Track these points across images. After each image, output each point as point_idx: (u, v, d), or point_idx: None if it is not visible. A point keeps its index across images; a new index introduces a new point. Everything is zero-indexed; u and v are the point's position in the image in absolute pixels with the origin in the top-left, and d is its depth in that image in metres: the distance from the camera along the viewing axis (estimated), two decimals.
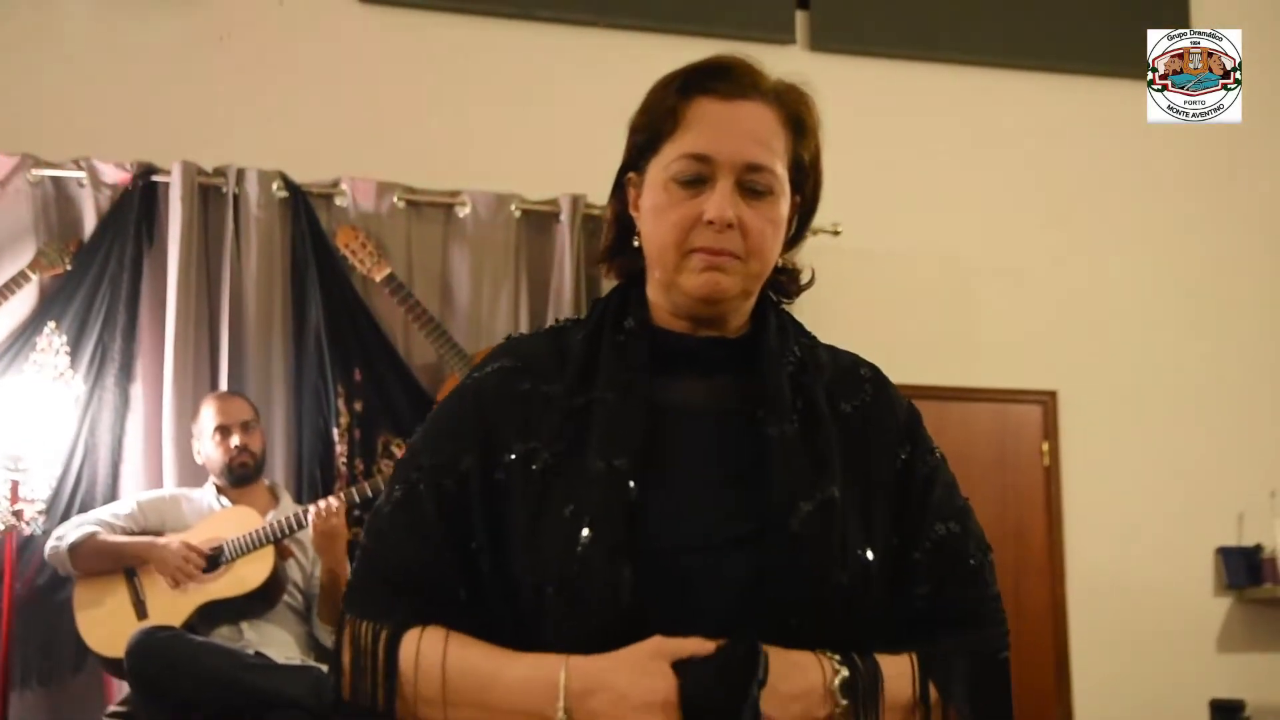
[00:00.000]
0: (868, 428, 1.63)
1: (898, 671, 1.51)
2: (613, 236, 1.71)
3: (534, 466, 1.52)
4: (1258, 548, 6.13)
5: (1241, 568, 6.14)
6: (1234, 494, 6.19)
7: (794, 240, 1.69)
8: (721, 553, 1.49)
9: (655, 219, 1.59)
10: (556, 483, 1.51)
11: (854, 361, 1.72)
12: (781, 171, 1.60)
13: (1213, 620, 6.17)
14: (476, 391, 1.62)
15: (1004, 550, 5.91)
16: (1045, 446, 6.11)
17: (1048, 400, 6.13)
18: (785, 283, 1.71)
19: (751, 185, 1.57)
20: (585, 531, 1.45)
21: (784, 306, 1.72)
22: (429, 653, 1.48)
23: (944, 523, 1.62)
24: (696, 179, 1.56)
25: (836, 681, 1.45)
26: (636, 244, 1.65)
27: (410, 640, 1.49)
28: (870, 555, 1.52)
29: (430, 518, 1.54)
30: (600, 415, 1.54)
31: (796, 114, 1.64)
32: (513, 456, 1.54)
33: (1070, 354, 6.15)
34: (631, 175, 1.66)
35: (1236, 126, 6.00)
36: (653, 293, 1.64)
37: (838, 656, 1.47)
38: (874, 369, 1.72)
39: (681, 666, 1.41)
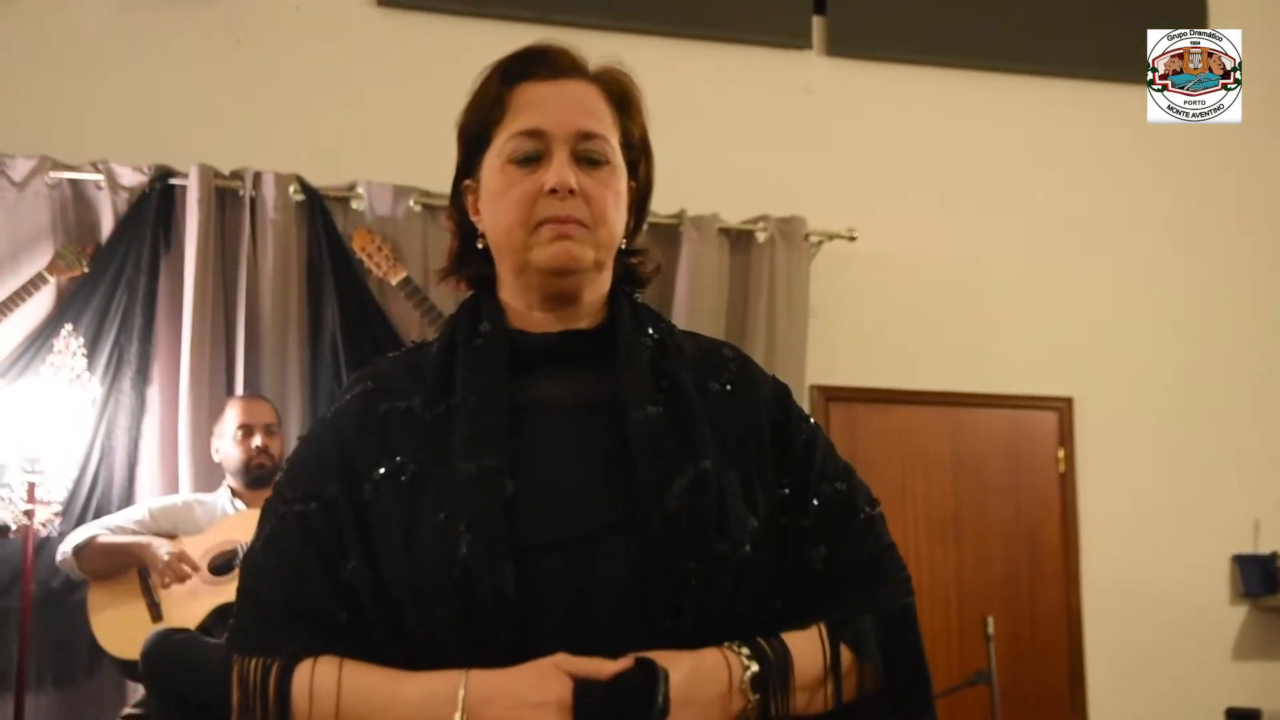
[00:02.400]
0: (738, 403, 1.62)
1: (808, 648, 1.50)
2: (457, 246, 1.70)
3: (402, 479, 1.50)
4: (1273, 555, 6.11)
5: (1257, 575, 6.12)
6: (1250, 502, 6.17)
7: (636, 227, 1.69)
8: (602, 541, 1.47)
9: (497, 202, 1.59)
10: (427, 491, 1.48)
11: (716, 344, 1.72)
12: (615, 143, 1.61)
13: (1228, 628, 6.16)
14: (334, 422, 1.60)
15: (1019, 556, 5.92)
16: (1061, 453, 6.09)
17: (1063, 407, 6.11)
18: (636, 266, 1.71)
19: (587, 155, 1.58)
20: (464, 534, 1.43)
21: (638, 295, 1.71)
22: (323, 681, 1.45)
23: (829, 483, 1.62)
24: (532, 156, 1.57)
25: (746, 677, 1.44)
26: (482, 245, 1.64)
27: (303, 671, 1.46)
28: (753, 523, 1.51)
29: (301, 548, 1.52)
30: (463, 419, 1.52)
31: (620, 91, 1.65)
32: (380, 473, 1.52)
33: (1086, 361, 6.14)
34: (468, 182, 1.66)
35: (1252, 128, 6.04)
36: (505, 294, 1.63)
37: (746, 649, 1.46)
38: (736, 349, 1.72)
39: (579, 684, 1.40)
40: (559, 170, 1.55)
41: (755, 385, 1.66)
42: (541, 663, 1.41)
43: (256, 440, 4.53)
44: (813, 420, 1.69)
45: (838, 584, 1.57)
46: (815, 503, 1.60)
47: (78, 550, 4.31)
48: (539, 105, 1.59)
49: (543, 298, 1.60)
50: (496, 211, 1.59)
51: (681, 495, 1.47)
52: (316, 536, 1.52)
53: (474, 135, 1.63)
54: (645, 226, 1.73)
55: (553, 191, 1.54)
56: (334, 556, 1.51)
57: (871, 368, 5.88)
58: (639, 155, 1.67)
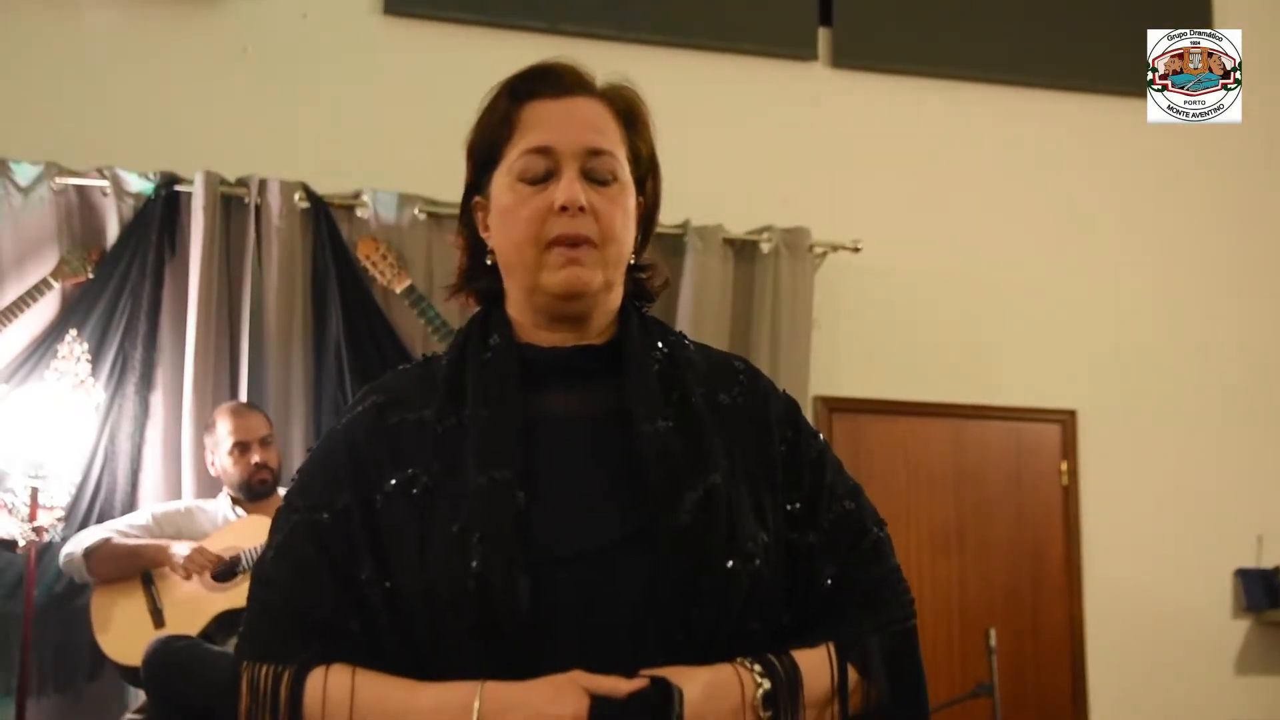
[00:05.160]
0: (748, 416, 1.63)
1: (817, 666, 1.51)
2: (466, 263, 1.70)
3: (414, 491, 1.51)
4: (1276, 570, 6.10)
5: (1260, 590, 6.11)
6: (1253, 516, 6.16)
7: (643, 243, 1.70)
8: (614, 555, 1.47)
9: (507, 220, 1.60)
10: (439, 503, 1.49)
11: (726, 357, 1.73)
12: (623, 159, 1.62)
13: (1231, 643, 6.14)
14: (346, 433, 1.61)
15: (1021, 569, 5.91)
16: (1064, 466, 6.09)
17: (1067, 419, 6.11)
18: (645, 281, 1.71)
19: (596, 172, 1.59)
20: (476, 546, 1.43)
21: (647, 309, 1.72)
22: (336, 689, 1.46)
23: (839, 501, 1.63)
24: (542, 174, 1.58)
25: (759, 695, 1.45)
26: (490, 262, 1.65)
27: (316, 679, 1.47)
28: (764, 537, 1.52)
29: (313, 557, 1.52)
30: (475, 432, 1.52)
31: (627, 107, 1.66)
32: (391, 484, 1.53)
33: (1090, 373, 6.13)
34: (478, 199, 1.66)
35: (1257, 140, 6.05)
36: (514, 310, 1.64)
37: (758, 666, 1.47)
38: (747, 363, 1.72)
39: (596, 700, 1.40)
40: (568, 188, 1.56)
41: (766, 399, 1.66)
42: (558, 678, 1.41)
43: (255, 457, 4.52)
44: (821, 437, 1.70)
45: (845, 603, 1.58)
46: (825, 521, 1.60)
47: (89, 553, 4.31)
48: (547, 123, 1.59)
49: (551, 319, 1.61)
50: (507, 229, 1.60)
51: (691, 509, 1.47)
52: (329, 546, 1.53)
53: (483, 153, 1.64)
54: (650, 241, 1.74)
55: (563, 209, 1.55)
56: (346, 566, 1.51)
57: (875, 379, 5.88)
58: (646, 172, 1.68)
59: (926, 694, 1.61)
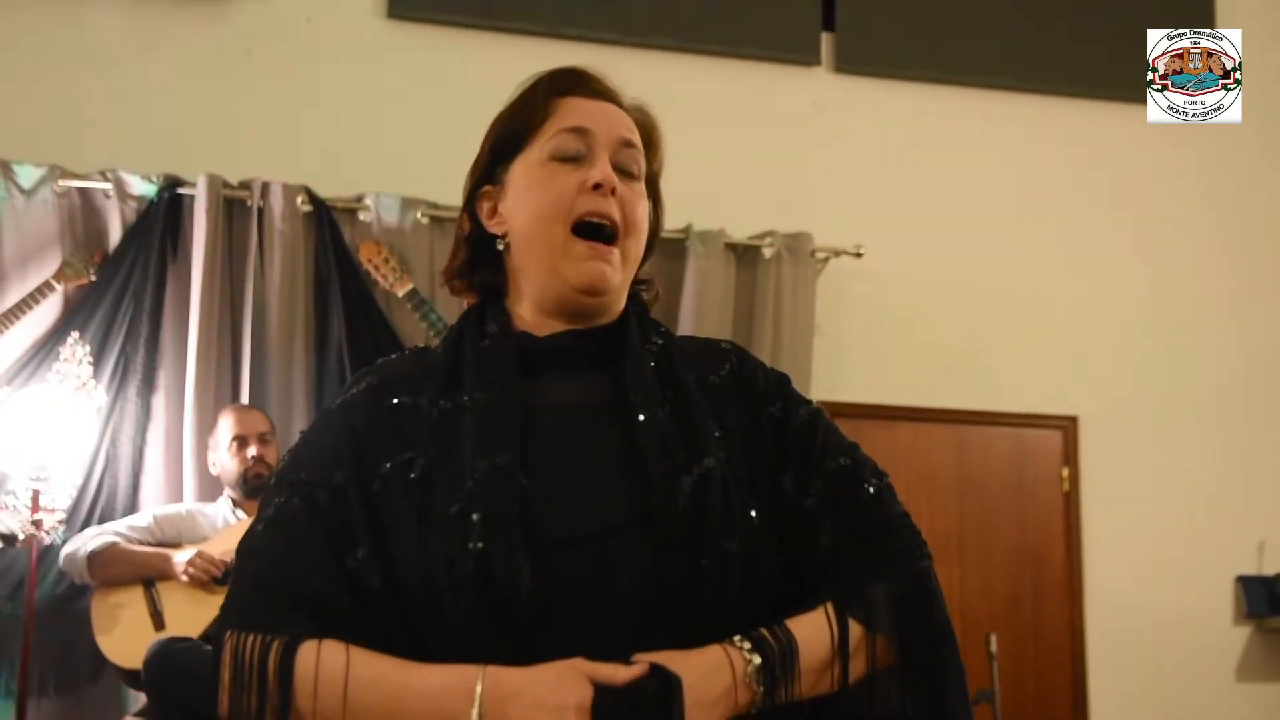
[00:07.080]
0: (737, 392, 1.65)
1: (814, 630, 1.49)
2: (466, 253, 1.71)
3: (412, 475, 1.50)
4: (1278, 577, 6.09)
5: (1261, 597, 6.11)
6: (1254, 522, 6.16)
7: (643, 258, 1.71)
8: (613, 540, 1.47)
9: (536, 193, 1.61)
10: (438, 486, 1.48)
11: (714, 341, 1.75)
12: (644, 166, 1.67)
13: (1232, 649, 6.14)
14: (343, 412, 1.60)
15: (1022, 575, 5.91)
16: (1065, 472, 6.09)
17: (1068, 425, 6.11)
18: (641, 292, 1.74)
19: (625, 165, 1.64)
20: (477, 528, 1.42)
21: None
22: (330, 664, 1.42)
23: (833, 459, 1.61)
24: (575, 155, 1.61)
25: (750, 670, 1.44)
26: (501, 246, 1.66)
27: (308, 652, 1.42)
28: (756, 517, 1.52)
29: (306, 529, 1.50)
30: (475, 416, 1.52)
31: (646, 129, 1.71)
32: (388, 467, 1.52)
33: (1091, 380, 6.13)
34: (487, 188, 1.68)
35: (1260, 145, 6.04)
36: (516, 303, 1.65)
37: (748, 644, 1.45)
38: (734, 344, 1.75)
39: (599, 689, 1.39)
40: (604, 168, 1.60)
41: (754, 375, 1.68)
42: (560, 665, 1.40)
43: (252, 450, 4.54)
44: (813, 404, 1.69)
45: (849, 559, 1.56)
46: (819, 481, 1.59)
47: (92, 556, 4.30)
48: (585, 113, 1.64)
49: (563, 313, 1.62)
50: (534, 203, 1.62)
51: (689, 494, 1.47)
52: (323, 521, 1.51)
53: (509, 138, 1.66)
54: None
55: (595, 187, 1.58)
56: (340, 543, 1.49)
57: (876, 384, 5.88)
58: (651, 193, 1.71)
59: (951, 641, 1.55)
